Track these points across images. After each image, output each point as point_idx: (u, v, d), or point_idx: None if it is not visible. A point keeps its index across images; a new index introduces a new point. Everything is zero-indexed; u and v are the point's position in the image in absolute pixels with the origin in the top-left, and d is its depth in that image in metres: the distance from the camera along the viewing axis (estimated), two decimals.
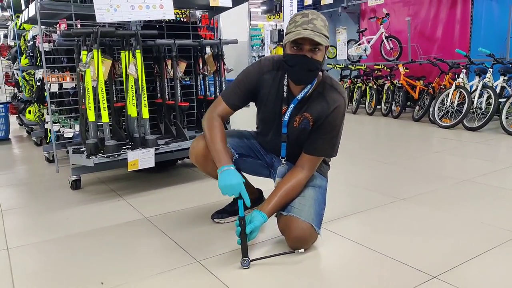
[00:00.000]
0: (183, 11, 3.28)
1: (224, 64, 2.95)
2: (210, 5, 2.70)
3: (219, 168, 1.69)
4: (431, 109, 5.23)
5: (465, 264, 1.65)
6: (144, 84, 2.55)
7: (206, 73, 3.03)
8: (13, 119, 6.19)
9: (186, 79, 3.21)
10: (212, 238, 1.97)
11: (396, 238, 1.95)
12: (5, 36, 6.11)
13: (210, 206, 2.29)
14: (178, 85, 2.82)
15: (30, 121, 4.81)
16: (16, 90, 6.18)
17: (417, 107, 5.67)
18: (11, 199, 2.72)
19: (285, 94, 1.82)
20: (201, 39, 3.06)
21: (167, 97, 2.89)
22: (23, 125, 5.77)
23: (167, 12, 2.53)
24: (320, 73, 1.80)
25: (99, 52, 2.36)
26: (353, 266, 1.69)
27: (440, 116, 5.07)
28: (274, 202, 1.77)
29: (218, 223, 2.14)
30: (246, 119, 2.79)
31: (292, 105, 1.81)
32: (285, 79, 1.81)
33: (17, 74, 5.19)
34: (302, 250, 1.71)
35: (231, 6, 2.79)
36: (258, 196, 2.20)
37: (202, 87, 3.12)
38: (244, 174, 2.11)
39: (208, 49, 3.10)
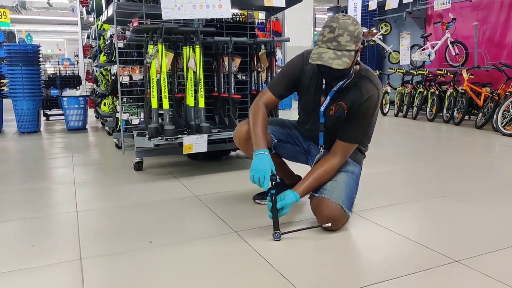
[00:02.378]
0: (243, 13, 3.53)
1: (275, 61, 3.14)
2: (265, 5, 2.90)
3: (255, 151, 1.87)
4: (494, 116, 5.03)
5: (490, 253, 1.68)
6: (201, 76, 2.81)
7: (260, 69, 3.24)
8: (90, 112, 6.86)
9: (242, 76, 3.44)
10: (251, 215, 2.15)
11: (426, 227, 2.01)
12: (88, 37, 6.79)
13: (254, 190, 2.46)
14: (233, 79, 3.05)
15: (104, 113, 5.32)
16: (95, 86, 6.83)
17: (480, 114, 5.47)
18: (83, 174, 3.10)
19: (323, 86, 1.96)
20: (256, 38, 3.27)
21: (222, 90, 3.14)
22: (99, 117, 6.37)
23: (224, 12, 2.77)
24: (357, 66, 1.91)
25: (163, 46, 2.65)
26: (377, 246, 1.79)
27: (503, 124, 4.86)
28: (307, 184, 1.92)
29: (258, 204, 2.32)
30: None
31: (329, 97, 1.94)
32: None
33: (96, 70, 5.76)
34: (329, 224, 1.83)
35: (284, 6, 2.97)
36: (297, 182, 2.35)
37: (256, 82, 3.33)
38: (284, 160, 2.29)
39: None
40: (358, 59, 1.85)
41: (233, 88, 3.07)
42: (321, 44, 1.73)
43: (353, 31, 1.71)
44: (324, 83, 1.94)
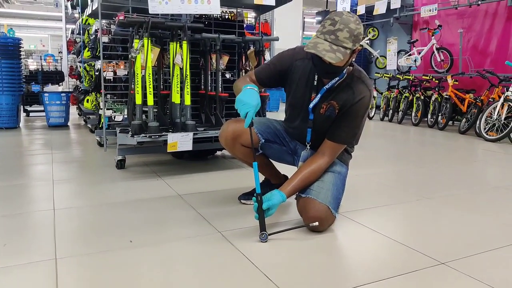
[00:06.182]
0: (231, 11, 3.48)
1: (264, 60, 3.10)
2: (254, 3, 2.86)
3: (244, 86, 1.84)
4: (477, 122, 5.08)
5: (476, 255, 1.67)
6: (188, 73, 2.75)
7: (248, 68, 3.19)
8: (73, 109, 6.71)
9: (230, 75, 3.39)
10: (236, 215, 2.10)
11: (412, 229, 2.00)
12: (72, 32, 6.65)
13: (239, 190, 2.41)
14: (220, 77, 3.00)
15: (87, 110, 5.20)
16: (78, 82, 6.69)
17: (464, 120, 5.53)
18: (63, 172, 3.01)
19: (315, 83, 1.92)
20: (244, 36, 3.23)
21: (209, 88, 3.08)
22: (82, 115, 6.23)
23: (213, 8, 2.72)
24: (350, 67, 1.89)
25: (149, 40, 2.59)
26: (364, 247, 1.76)
27: (486, 129, 4.92)
28: (294, 184, 1.88)
29: (244, 204, 2.26)
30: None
31: (319, 94, 1.91)
32: None
33: (80, 66, 5.64)
34: (316, 223, 1.79)
35: (274, 5, 2.94)
36: (284, 182, 2.30)
37: None
38: (271, 160, 2.25)
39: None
40: (353, 60, 1.83)
41: (220, 86, 3.02)
42: (320, 34, 1.71)
43: (354, 29, 1.68)
44: (315, 79, 1.91)
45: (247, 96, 1.77)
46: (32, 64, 7.97)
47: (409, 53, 7.08)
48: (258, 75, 2.01)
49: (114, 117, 3.26)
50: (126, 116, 3.17)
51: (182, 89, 2.78)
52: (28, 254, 1.62)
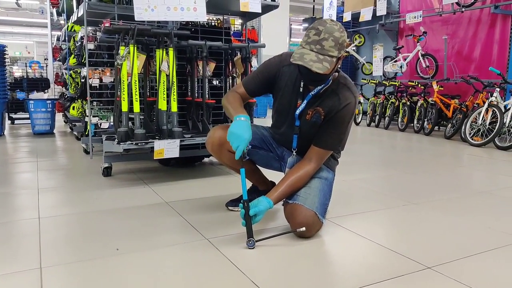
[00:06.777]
0: (217, 18, 3.49)
1: (251, 66, 3.11)
2: (241, 9, 2.87)
3: (235, 116, 1.81)
4: (463, 127, 5.16)
5: (462, 259, 1.68)
6: (174, 79, 2.75)
7: (235, 75, 3.20)
8: (59, 116, 6.65)
9: (217, 81, 3.40)
10: (223, 222, 2.09)
11: (399, 234, 2.01)
12: (58, 39, 6.59)
13: (226, 197, 2.40)
14: (207, 84, 3.00)
15: (73, 117, 5.15)
16: (64, 89, 6.63)
17: (449, 125, 5.61)
18: (48, 180, 2.97)
19: (300, 89, 1.94)
20: (231, 43, 3.24)
21: (196, 95, 3.08)
22: (68, 122, 6.17)
23: (199, 15, 2.72)
24: (336, 73, 1.91)
25: (135, 47, 2.58)
26: (351, 253, 1.77)
27: (471, 134, 5.00)
28: (281, 190, 1.88)
29: (231, 211, 2.26)
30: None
31: (305, 101, 1.92)
32: None
33: (66, 73, 5.59)
34: (304, 229, 1.79)
35: (260, 12, 2.95)
36: (271, 188, 2.30)
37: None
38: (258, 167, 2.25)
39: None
40: (339, 66, 1.85)
41: (207, 92, 3.02)
42: (305, 45, 1.72)
43: (338, 37, 1.70)
44: (302, 86, 1.92)
45: (240, 128, 1.76)
46: (17, 71, 7.88)
47: (395, 60, 7.17)
48: (247, 86, 2.01)
49: (100, 124, 3.24)
50: (112, 123, 3.14)
51: (168, 95, 2.77)
52: (13, 264, 1.59)
